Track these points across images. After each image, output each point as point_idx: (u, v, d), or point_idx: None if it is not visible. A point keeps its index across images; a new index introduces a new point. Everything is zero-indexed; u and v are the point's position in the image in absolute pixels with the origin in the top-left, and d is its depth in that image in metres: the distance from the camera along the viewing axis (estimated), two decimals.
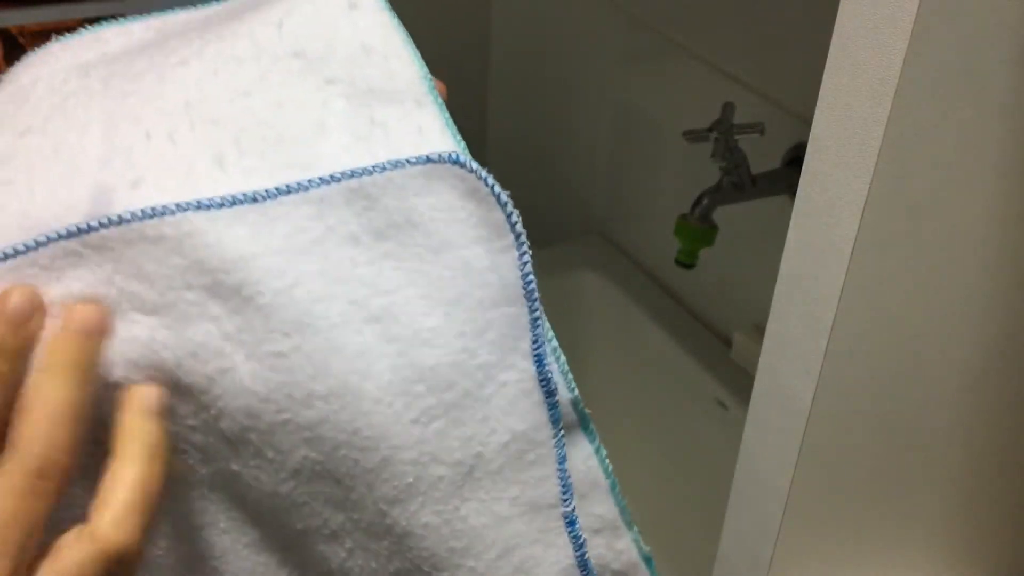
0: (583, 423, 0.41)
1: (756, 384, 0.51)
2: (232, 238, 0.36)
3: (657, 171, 1.07)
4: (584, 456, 0.41)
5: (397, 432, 0.37)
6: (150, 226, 0.35)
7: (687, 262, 0.85)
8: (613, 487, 0.42)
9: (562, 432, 0.40)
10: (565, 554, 0.41)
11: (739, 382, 0.94)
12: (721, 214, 0.83)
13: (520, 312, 0.38)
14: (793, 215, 0.46)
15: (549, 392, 0.39)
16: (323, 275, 0.36)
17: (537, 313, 0.39)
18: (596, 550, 0.42)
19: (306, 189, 0.36)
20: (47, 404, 0.34)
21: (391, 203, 0.37)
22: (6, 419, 0.35)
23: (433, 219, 0.37)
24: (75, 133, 0.38)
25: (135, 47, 0.42)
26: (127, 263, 0.36)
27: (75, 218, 0.36)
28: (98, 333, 0.36)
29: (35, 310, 0.35)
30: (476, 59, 1.23)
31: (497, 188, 0.37)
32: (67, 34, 0.43)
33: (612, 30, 1.08)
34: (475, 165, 0.37)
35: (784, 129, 0.85)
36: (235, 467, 0.37)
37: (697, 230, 0.83)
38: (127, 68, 0.40)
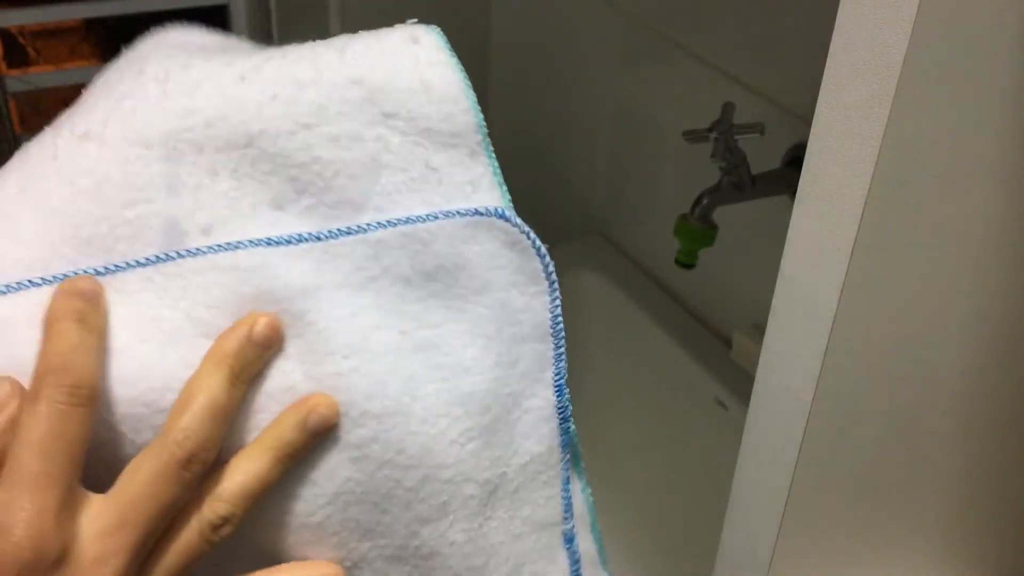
0: (577, 458, 0.45)
1: (756, 384, 0.51)
2: (299, 272, 0.39)
3: (657, 171, 1.07)
4: (579, 487, 0.45)
5: (438, 451, 0.40)
6: (223, 257, 0.39)
7: (687, 262, 0.85)
8: (594, 525, 0.46)
9: (568, 456, 0.44)
10: (563, 570, 0.45)
11: (739, 382, 0.94)
12: (721, 214, 0.83)
13: (547, 348, 0.43)
14: (793, 215, 0.46)
15: (564, 419, 0.44)
16: (378, 308, 0.40)
17: (562, 349, 0.43)
18: None
19: (365, 231, 0.40)
20: (208, 398, 0.37)
21: (441, 248, 0.41)
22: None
23: (477, 264, 0.41)
24: (137, 148, 0.39)
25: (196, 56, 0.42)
26: (196, 290, 0.39)
27: (148, 250, 0.39)
28: (272, 348, 0.39)
29: (96, 284, 0.38)
30: (476, 59, 1.23)
31: (537, 242, 0.42)
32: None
33: (612, 30, 1.08)
34: (518, 220, 0.42)
35: (784, 129, 0.85)
36: (276, 493, 0.39)
37: (697, 230, 0.83)
38: (184, 74, 0.40)
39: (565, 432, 0.44)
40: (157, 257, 0.39)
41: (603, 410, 1.11)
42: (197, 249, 0.39)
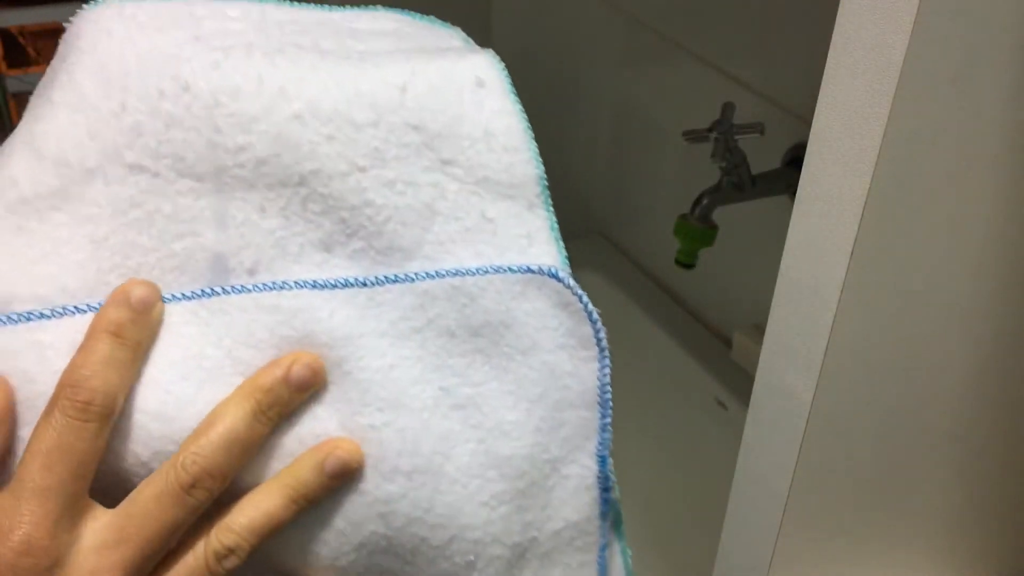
0: (618, 522, 0.44)
1: (756, 384, 0.51)
2: (342, 317, 0.38)
3: (657, 171, 1.07)
4: (618, 549, 0.44)
5: (468, 512, 0.40)
6: (268, 297, 0.38)
7: (687, 262, 0.85)
8: None
9: (607, 522, 0.43)
10: None
11: (739, 382, 0.94)
12: (721, 214, 0.83)
13: (592, 416, 0.41)
14: (793, 215, 0.46)
15: (605, 488, 0.42)
16: (420, 361, 0.39)
17: (608, 419, 0.42)
18: None
19: (412, 280, 0.39)
20: (228, 428, 0.37)
21: (489, 304, 0.40)
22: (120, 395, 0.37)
23: (526, 324, 0.40)
24: (188, 181, 0.39)
25: (237, 48, 0.40)
26: (239, 328, 0.38)
27: (194, 283, 0.38)
28: (308, 389, 0.38)
29: (156, 298, 0.38)
30: None
31: (590, 306, 0.41)
32: None
33: (612, 30, 1.08)
34: (572, 281, 0.40)
35: (784, 129, 0.85)
36: (302, 536, 0.39)
37: (697, 230, 0.83)
38: (236, 101, 0.38)
39: (606, 502, 0.42)
40: (203, 291, 0.38)
41: None
42: (242, 287, 0.38)
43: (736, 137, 0.81)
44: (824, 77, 0.43)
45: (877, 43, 0.40)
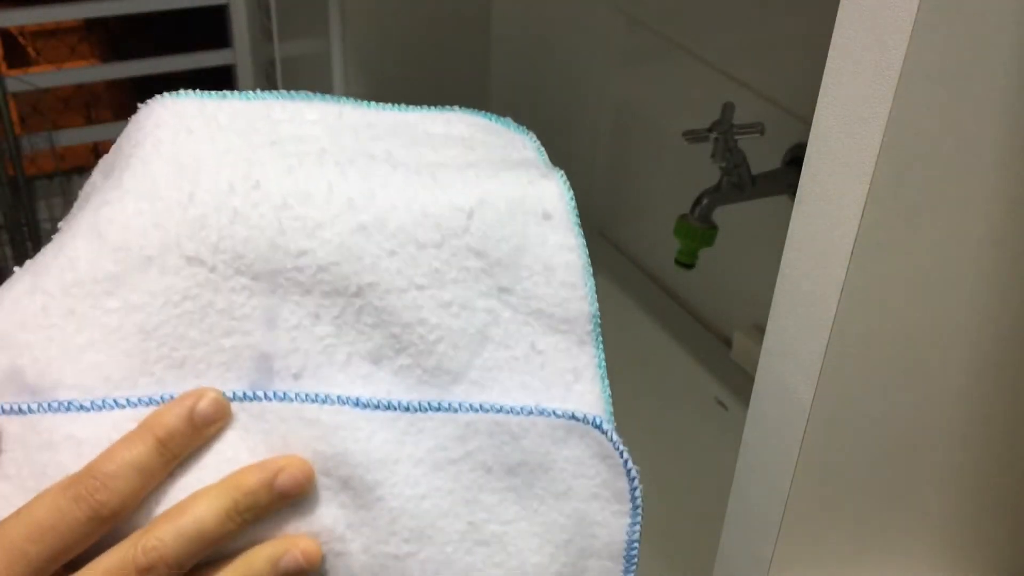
0: None
1: (756, 384, 0.51)
2: (380, 440, 0.38)
3: (657, 171, 1.07)
4: None
5: None
6: (308, 409, 0.38)
7: (687, 262, 0.85)
8: None
9: None
10: None
11: (739, 382, 0.94)
12: (721, 214, 0.83)
13: (616, 568, 0.42)
14: (793, 215, 0.46)
15: None
16: (452, 494, 0.39)
17: (632, 573, 0.42)
18: None
19: (455, 411, 0.39)
20: (197, 521, 0.36)
21: (529, 445, 0.40)
22: (134, 507, 0.36)
23: (563, 469, 0.40)
24: (245, 279, 0.38)
25: (310, 155, 0.40)
26: (276, 438, 0.38)
27: (238, 382, 0.38)
28: (290, 498, 0.38)
29: (220, 418, 0.38)
30: (476, 59, 1.23)
31: (629, 462, 0.41)
32: (232, 93, 0.41)
33: (612, 30, 1.08)
34: (614, 435, 0.41)
35: (784, 129, 0.85)
36: None
37: (697, 230, 0.83)
38: (304, 206, 0.39)
39: None
40: (245, 394, 0.38)
41: None
42: (284, 394, 0.38)
43: (736, 137, 0.81)
44: (824, 77, 0.43)
45: (877, 43, 0.40)
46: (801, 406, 0.48)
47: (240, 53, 1.92)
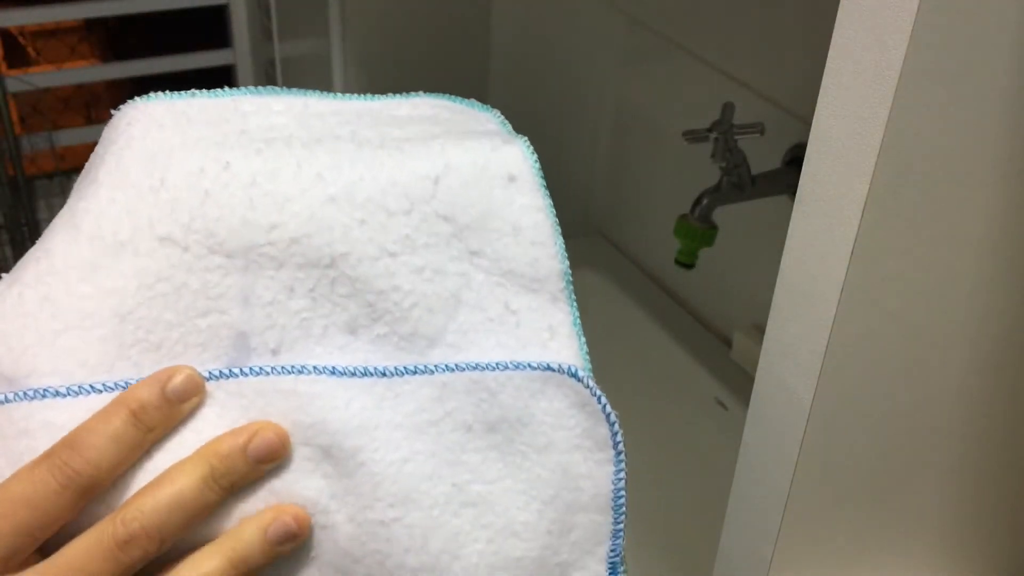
0: None
1: (756, 384, 0.51)
2: (359, 406, 0.38)
3: (657, 171, 1.07)
4: None
5: None
6: (285, 381, 0.38)
7: (687, 262, 0.85)
8: None
9: None
10: None
11: (739, 382, 0.94)
12: (721, 214, 0.83)
13: (605, 520, 0.41)
14: (793, 215, 0.46)
15: None
16: (434, 456, 0.39)
17: (621, 525, 0.41)
18: None
19: (432, 372, 0.39)
20: (176, 490, 0.36)
21: (507, 400, 0.40)
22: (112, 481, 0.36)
23: (543, 422, 0.40)
24: (218, 258, 0.39)
25: (278, 140, 0.41)
26: (255, 412, 0.38)
27: (216, 361, 0.38)
28: (266, 462, 0.38)
29: (194, 394, 0.38)
30: (476, 59, 1.23)
31: (608, 407, 0.40)
32: (194, 92, 0.42)
33: (612, 30, 1.08)
34: (591, 381, 0.40)
35: (784, 129, 0.85)
36: None
37: (697, 230, 0.83)
38: (273, 182, 0.39)
39: None
40: (220, 372, 0.38)
41: None
42: (260, 368, 0.38)
43: (736, 137, 0.81)
44: (824, 77, 0.43)
45: (877, 43, 0.40)
46: (801, 406, 0.48)
47: (240, 53, 1.92)
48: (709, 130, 0.82)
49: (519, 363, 0.40)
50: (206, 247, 0.39)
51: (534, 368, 0.40)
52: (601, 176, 1.17)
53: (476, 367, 0.39)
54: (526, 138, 0.43)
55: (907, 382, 0.50)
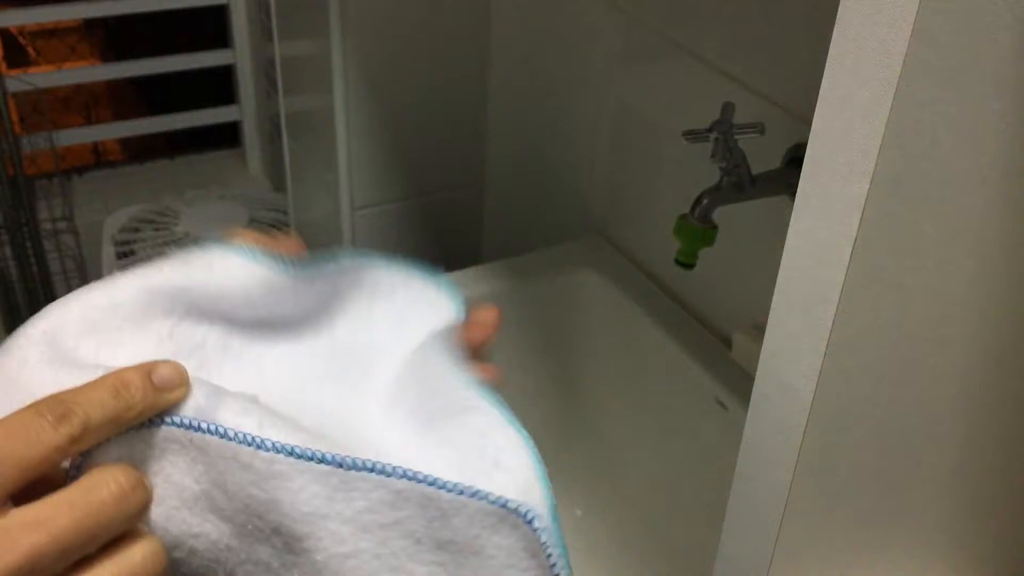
0: None
1: (756, 384, 0.51)
2: (311, 493, 0.38)
3: (657, 171, 1.07)
4: None
5: None
6: (245, 452, 0.38)
7: (687, 262, 0.85)
8: None
9: None
10: None
11: (739, 382, 0.94)
12: (721, 214, 0.83)
13: None
14: (793, 215, 0.46)
15: None
16: (378, 558, 0.39)
17: None
18: None
19: (388, 475, 0.38)
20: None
21: (459, 524, 0.39)
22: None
23: (493, 556, 0.39)
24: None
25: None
26: (216, 472, 0.38)
27: (188, 411, 0.39)
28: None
29: (178, 384, 0.39)
30: (475, 58, 1.23)
31: (558, 565, 0.39)
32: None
33: (612, 30, 1.08)
34: (545, 536, 0.39)
35: (784, 129, 0.85)
36: None
37: (697, 230, 0.83)
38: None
39: None
40: (191, 423, 0.38)
41: (603, 410, 1.10)
42: (225, 430, 0.38)
43: (736, 137, 0.81)
44: (824, 77, 0.43)
45: (877, 43, 0.40)
46: (801, 406, 0.48)
47: (240, 53, 1.92)
48: (709, 130, 0.82)
49: (477, 491, 0.39)
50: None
51: (492, 501, 0.38)
52: (601, 176, 1.17)
53: (433, 483, 0.38)
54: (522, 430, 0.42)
55: (907, 382, 0.50)
